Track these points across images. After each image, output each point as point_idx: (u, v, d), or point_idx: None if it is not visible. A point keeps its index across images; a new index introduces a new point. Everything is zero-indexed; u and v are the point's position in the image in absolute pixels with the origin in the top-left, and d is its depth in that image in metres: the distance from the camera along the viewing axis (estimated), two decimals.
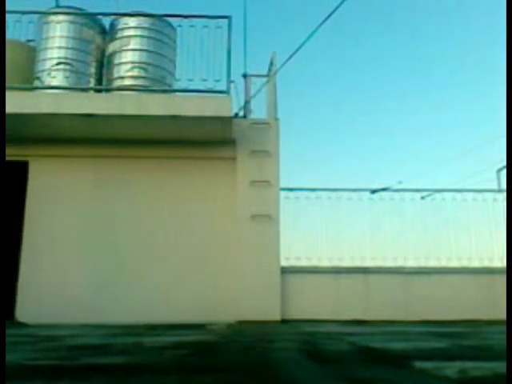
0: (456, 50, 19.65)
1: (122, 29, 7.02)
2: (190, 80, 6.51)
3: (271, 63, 7.32)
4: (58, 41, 6.83)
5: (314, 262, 6.98)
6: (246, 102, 7.31)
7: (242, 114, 7.19)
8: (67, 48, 6.83)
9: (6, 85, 5.04)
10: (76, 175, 6.97)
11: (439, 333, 4.30)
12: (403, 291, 6.83)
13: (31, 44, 7.08)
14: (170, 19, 7.02)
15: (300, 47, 5.65)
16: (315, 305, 6.65)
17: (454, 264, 7.08)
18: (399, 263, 7.03)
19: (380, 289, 6.84)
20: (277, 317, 6.36)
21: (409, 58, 19.92)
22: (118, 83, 6.86)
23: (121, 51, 6.91)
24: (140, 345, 3.23)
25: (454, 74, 19.42)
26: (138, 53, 6.90)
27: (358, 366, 2.03)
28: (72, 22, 6.93)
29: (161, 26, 7.05)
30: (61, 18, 6.89)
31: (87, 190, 6.95)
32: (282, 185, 6.95)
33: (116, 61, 6.92)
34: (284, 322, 6.32)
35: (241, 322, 6.18)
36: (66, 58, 6.77)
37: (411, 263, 7.04)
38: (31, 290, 6.50)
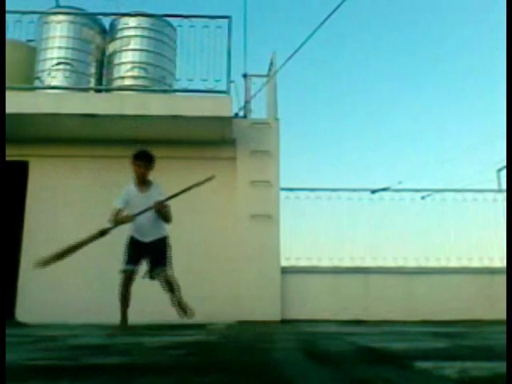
0: (456, 50, 19.66)
1: (122, 29, 7.03)
2: (190, 80, 6.52)
3: (271, 63, 7.32)
4: (58, 41, 6.83)
5: (314, 262, 6.99)
6: (246, 102, 7.32)
7: (242, 113, 7.19)
8: (67, 48, 6.83)
9: (6, 85, 5.04)
10: (76, 175, 6.97)
11: (439, 333, 4.30)
12: (403, 291, 6.83)
13: (31, 44, 7.08)
14: (170, 19, 7.03)
15: (300, 47, 5.65)
16: (315, 305, 6.65)
17: (454, 264, 7.08)
18: (399, 263, 7.03)
19: (380, 289, 6.84)
20: (277, 317, 6.36)
21: (409, 57, 19.93)
22: (118, 83, 6.86)
23: (121, 51, 6.92)
24: (140, 345, 3.23)
25: (455, 74, 19.43)
26: (138, 53, 6.91)
27: (358, 366, 2.03)
28: (72, 22, 6.94)
29: (161, 25, 7.06)
30: (61, 18, 6.90)
31: (87, 189, 6.95)
32: (282, 185, 6.95)
33: (116, 61, 6.92)
34: (284, 322, 6.32)
35: (241, 322, 6.18)
36: (66, 58, 6.78)
37: (411, 263, 7.04)
38: (31, 290, 6.50)
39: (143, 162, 4.80)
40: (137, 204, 4.81)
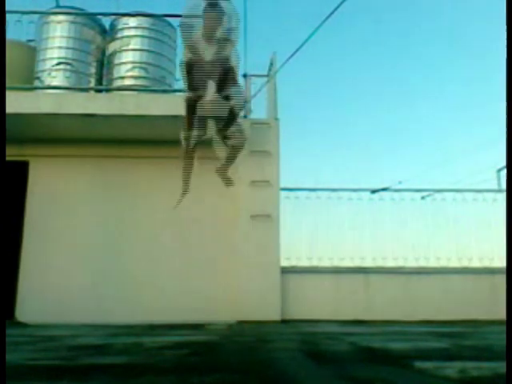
0: (457, 50, 19.66)
1: (122, 29, 7.03)
2: None
3: (271, 63, 7.32)
4: (58, 41, 6.84)
5: (314, 262, 6.98)
6: (246, 102, 7.31)
7: (242, 113, 7.18)
8: (67, 48, 6.83)
9: (6, 85, 5.03)
10: (76, 175, 6.97)
11: (439, 333, 4.30)
12: (403, 291, 6.83)
13: (31, 44, 7.08)
14: (169, 19, 7.03)
15: (300, 47, 5.63)
16: (315, 305, 6.65)
17: (454, 264, 7.08)
18: (399, 263, 7.03)
19: (380, 289, 6.84)
20: (277, 317, 6.35)
21: (409, 56, 19.92)
22: (118, 83, 6.86)
23: (121, 51, 6.92)
24: (140, 345, 3.23)
25: (455, 74, 19.43)
26: (138, 53, 6.91)
27: (358, 366, 2.04)
28: (72, 22, 6.94)
29: (161, 25, 7.06)
30: (61, 18, 6.90)
31: (87, 189, 6.95)
32: (282, 185, 6.94)
33: (116, 61, 6.93)
34: (284, 322, 6.32)
35: (241, 322, 6.18)
36: (67, 58, 6.78)
37: (411, 263, 7.03)
38: (31, 290, 6.50)
39: (215, 13, 4.00)
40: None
